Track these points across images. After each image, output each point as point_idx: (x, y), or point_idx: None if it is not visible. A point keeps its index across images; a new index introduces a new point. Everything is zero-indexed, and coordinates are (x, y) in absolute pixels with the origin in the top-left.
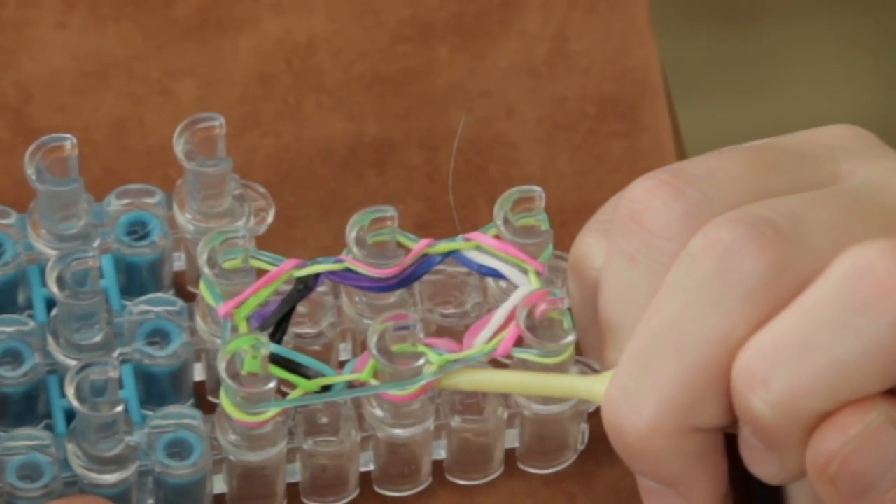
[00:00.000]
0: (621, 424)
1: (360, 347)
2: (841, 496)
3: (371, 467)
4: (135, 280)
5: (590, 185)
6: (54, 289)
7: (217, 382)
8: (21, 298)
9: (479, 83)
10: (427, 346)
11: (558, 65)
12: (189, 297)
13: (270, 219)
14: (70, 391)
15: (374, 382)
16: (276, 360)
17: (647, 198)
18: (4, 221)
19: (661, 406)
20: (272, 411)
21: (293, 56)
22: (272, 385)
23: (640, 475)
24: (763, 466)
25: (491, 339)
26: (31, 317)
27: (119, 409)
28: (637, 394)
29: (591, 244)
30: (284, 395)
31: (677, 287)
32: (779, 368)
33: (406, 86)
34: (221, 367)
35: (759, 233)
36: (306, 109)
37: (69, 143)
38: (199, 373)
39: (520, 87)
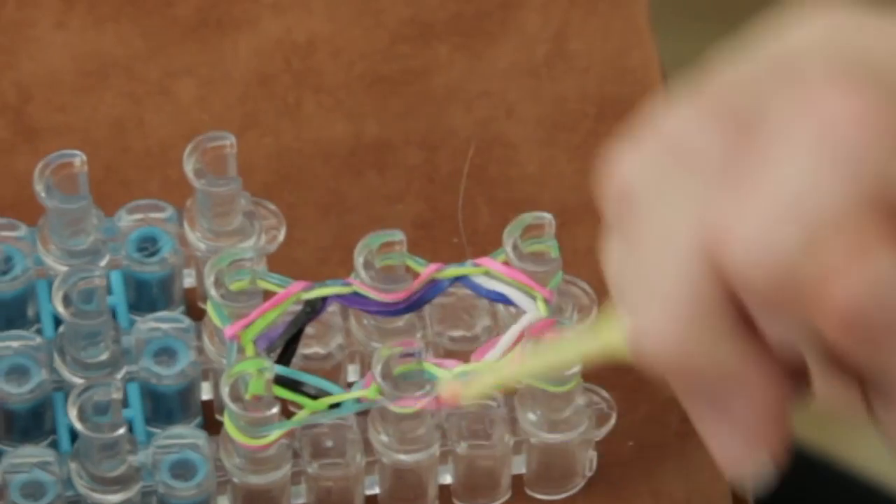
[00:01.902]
0: (658, 357)
1: (369, 369)
2: (858, 345)
3: (376, 490)
4: (144, 296)
5: (589, 185)
6: (60, 307)
7: None
8: (31, 312)
9: (478, 83)
10: (435, 365)
11: (558, 65)
12: (199, 314)
13: (281, 237)
14: (72, 412)
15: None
16: (281, 380)
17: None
18: (14, 234)
19: (679, 319)
20: (276, 434)
21: (293, 56)
22: (275, 410)
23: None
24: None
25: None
26: (39, 331)
27: (121, 430)
28: (650, 320)
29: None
30: (292, 415)
31: (637, 209)
32: (774, 230)
33: (406, 86)
34: (225, 391)
35: (715, 113)
36: (306, 109)
37: (78, 159)
38: (206, 391)
39: (519, 88)
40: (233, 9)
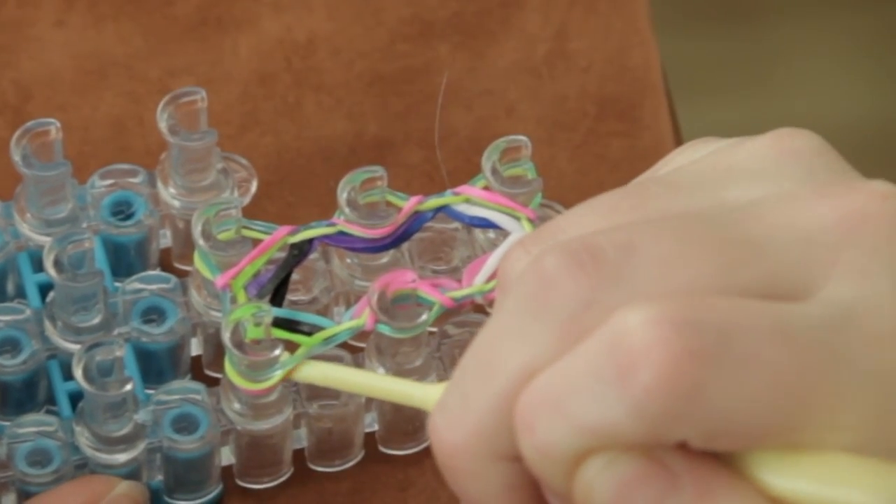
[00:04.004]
0: (438, 437)
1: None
2: None
3: (375, 428)
4: (122, 260)
5: (590, 185)
6: (52, 272)
7: (214, 355)
8: (10, 287)
9: (479, 82)
10: (427, 290)
11: (558, 64)
12: (176, 274)
13: (254, 189)
14: (78, 373)
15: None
16: (277, 322)
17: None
18: None
19: (469, 427)
20: (279, 375)
21: (293, 55)
22: (278, 352)
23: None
24: (550, 499)
25: (487, 282)
26: (22, 304)
27: (128, 387)
28: (453, 410)
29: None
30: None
31: (500, 307)
32: (541, 417)
33: (406, 85)
34: (226, 336)
35: (577, 262)
36: (306, 108)
37: (54, 127)
38: (194, 347)
39: (520, 87)
40: (233, 8)
